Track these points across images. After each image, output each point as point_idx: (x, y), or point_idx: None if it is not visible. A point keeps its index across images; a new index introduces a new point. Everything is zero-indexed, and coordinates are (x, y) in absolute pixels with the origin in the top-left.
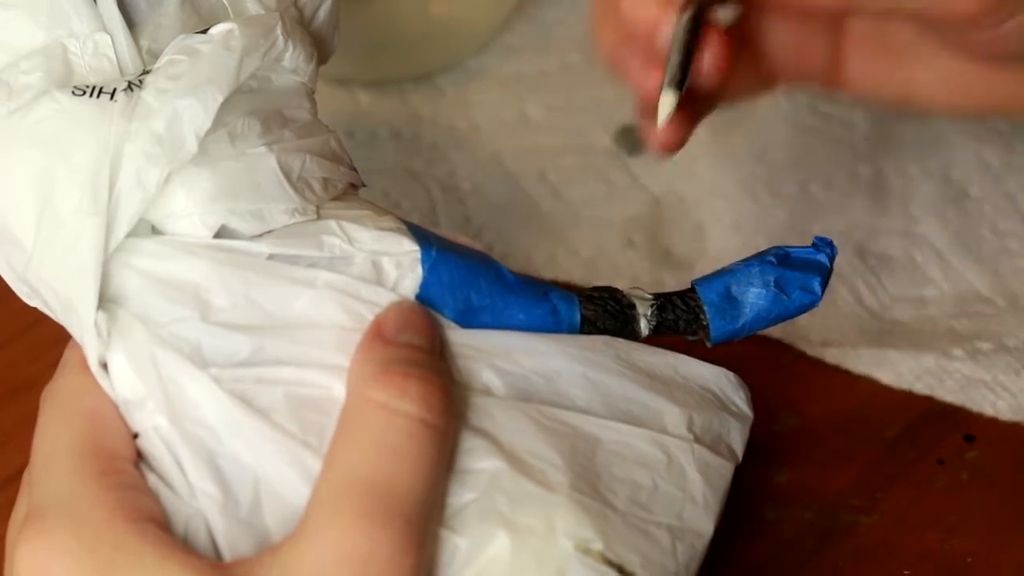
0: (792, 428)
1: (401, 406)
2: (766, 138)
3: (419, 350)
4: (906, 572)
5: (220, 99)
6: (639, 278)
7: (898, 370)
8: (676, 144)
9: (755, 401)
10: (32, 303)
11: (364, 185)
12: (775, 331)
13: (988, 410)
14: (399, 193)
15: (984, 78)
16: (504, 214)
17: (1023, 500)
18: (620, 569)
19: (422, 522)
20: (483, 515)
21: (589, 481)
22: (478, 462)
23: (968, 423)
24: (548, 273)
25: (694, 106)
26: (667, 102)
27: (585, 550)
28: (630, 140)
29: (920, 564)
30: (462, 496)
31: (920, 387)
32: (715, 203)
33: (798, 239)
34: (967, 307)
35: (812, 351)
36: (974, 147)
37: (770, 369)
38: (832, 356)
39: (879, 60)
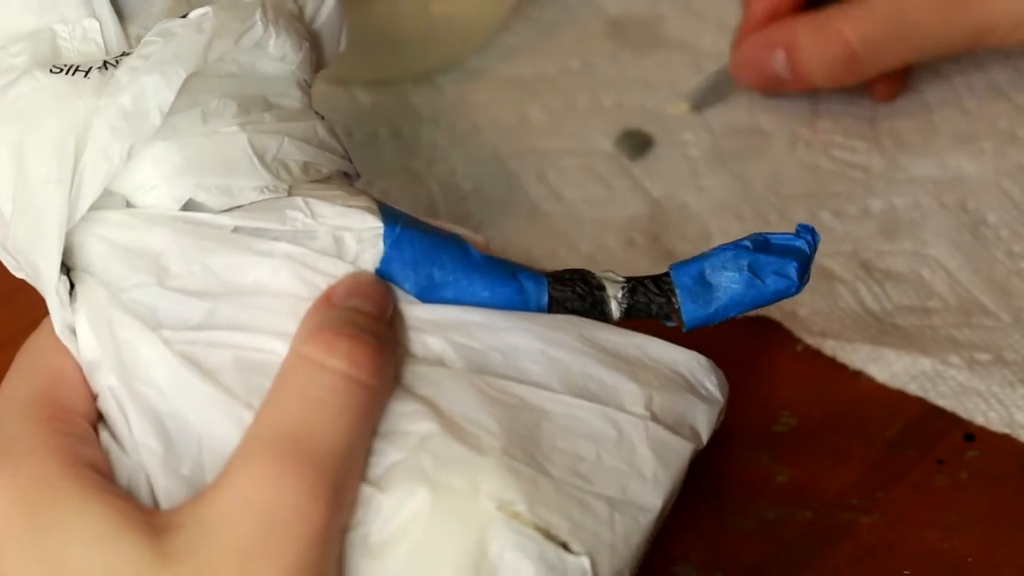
0: (792, 428)
1: (328, 361)
2: (780, 173)
3: (363, 314)
4: (906, 572)
5: (184, 75)
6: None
7: (893, 369)
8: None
9: (755, 401)
10: (19, 275)
11: (359, 176)
12: (775, 315)
13: (979, 419)
14: (399, 193)
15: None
16: (504, 214)
17: (1023, 500)
18: (546, 533)
19: (337, 476)
20: (407, 474)
21: (526, 449)
22: (412, 425)
23: (968, 423)
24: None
25: None
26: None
27: (512, 513)
28: (631, 144)
29: (920, 564)
30: (391, 456)
31: (914, 388)
32: (724, 216)
33: None
34: (971, 319)
35: (812, 340)
36: (994, 179)
37: (770, 369)
38: (829, 348)
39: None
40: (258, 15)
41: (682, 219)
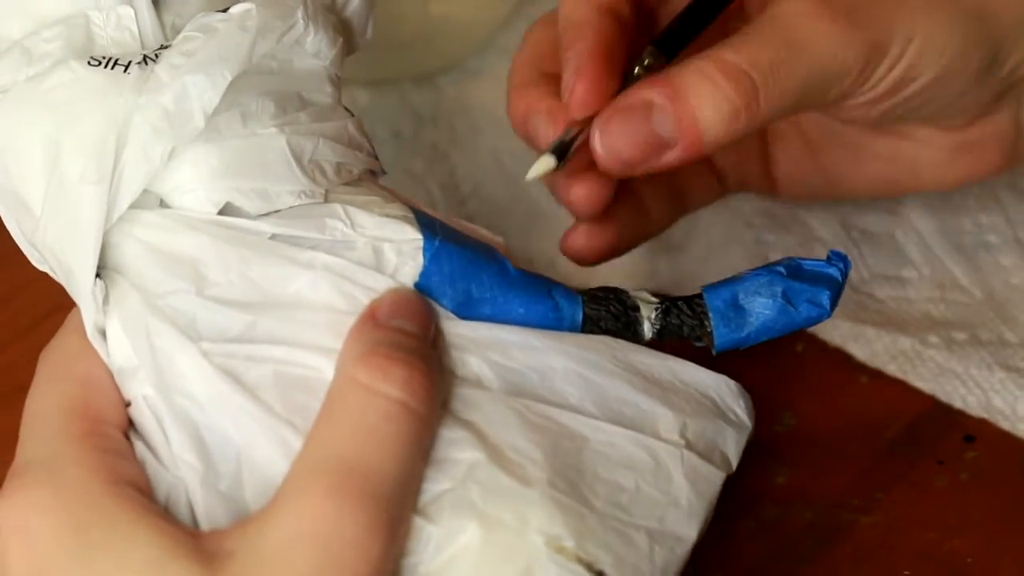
0: (792, 428)
1: (382, 388)
2: None
3: (409, 335)
4: (906, 572)
5: (229, 77)
6: (634, 264)
7: (872, 347)
8: (590, 207)
9: (755, 401)
10: (42, 268)
11: (384, 172)
12: None
13: (957, 403)
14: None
15: (890, 148)
16: (504, 214)
17: (1023, 500)
18: (590, 567)
19: (393, 505)
20: (456, 505)
21: (569, 479)
22: (459, 452)
23: (968, 423)
24: (548, 270)
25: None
26: (543, 162)
27: (557, 548)
28: None
29: (920, 564)
30: (439, 484)
31: (893, 368)
32: (716, 205)
33: (787, 214)
34: (945, 294)
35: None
36: None
37: (770, 369)
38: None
39: (800, 153)
40: (300, 12)
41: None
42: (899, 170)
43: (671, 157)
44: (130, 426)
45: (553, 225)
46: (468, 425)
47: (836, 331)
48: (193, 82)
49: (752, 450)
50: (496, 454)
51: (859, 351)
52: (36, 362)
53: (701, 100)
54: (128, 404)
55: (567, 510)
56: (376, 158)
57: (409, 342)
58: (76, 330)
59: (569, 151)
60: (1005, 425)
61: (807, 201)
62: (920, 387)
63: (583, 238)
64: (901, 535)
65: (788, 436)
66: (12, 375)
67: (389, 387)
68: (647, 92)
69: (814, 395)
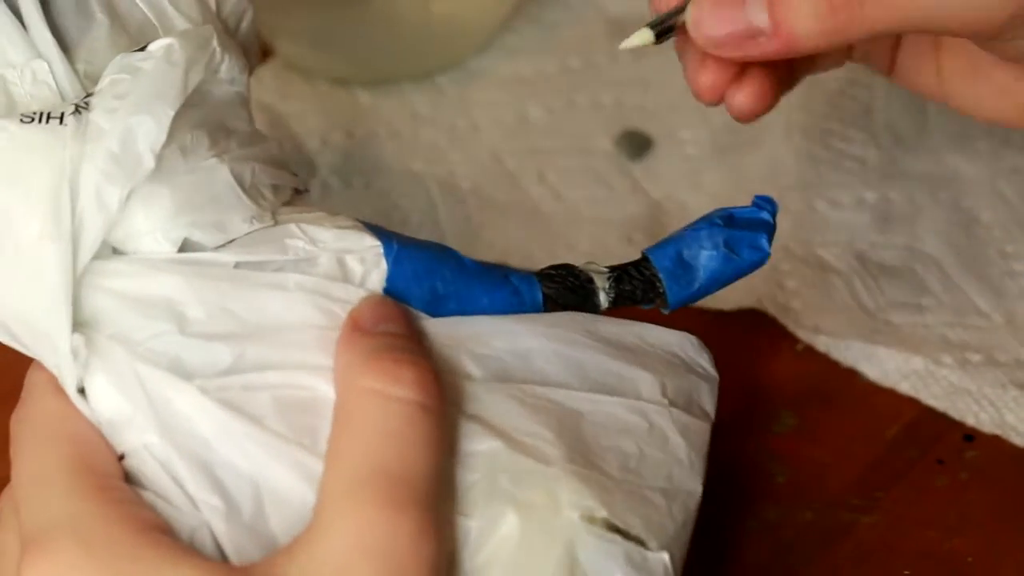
0: (792, 428)
1: (397, 392)
2: (776, 164)
3: (401, 337)
4: (906, 572)
5: (171, 113)
6: None
7: (885, 367)
8: (754, 110)
9: (755, 401)
10: None
11: (307, 190)
12: (770, 308)
13: (970, 420)
14: (399, 193)
15: (1008, 80)
16: (504, 214)
17: (1023, 500)
18: (626, 534)
19: (435, 507)
20: (489, 495)
21: (581, 452)
22: (475, 444)
23: (966, 423)
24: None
25: (775, 74)
26: (640, 35)
27: (590, 519)
28: (631, 144)
29: (920, 564)
30: (466, 478)
31: (905, 387)
32: None
33: (802, 248)
34: (963, 319)
35: (804, 335)
36: (989, 180)
37: (770, 369)
38: (822, 343)
39: (925, 48)
40: (215, 41)
41: (681, 218)
42: (1009, 106)
43: (768, 48)
44: (126, 479)
45: (553, 225)
46: (474, 417)
47: (848, 352)
48: (137, 122)
49: (752, 450)
50: (511, 440)
51: (871, 371)
52: (33, 360)
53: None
54: (121, 457)
55: (591, 482)
56: (297, 175)
57: (405, 343)
58: (48, 391)
59: (671, 31)
60: (1018, 441)
61: (918, 93)
62: (933, 405)
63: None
64: (901, 535)
65: (788, 436)
66: (11, 374)
67: (403, 390)
68: None
69: (814, 395)
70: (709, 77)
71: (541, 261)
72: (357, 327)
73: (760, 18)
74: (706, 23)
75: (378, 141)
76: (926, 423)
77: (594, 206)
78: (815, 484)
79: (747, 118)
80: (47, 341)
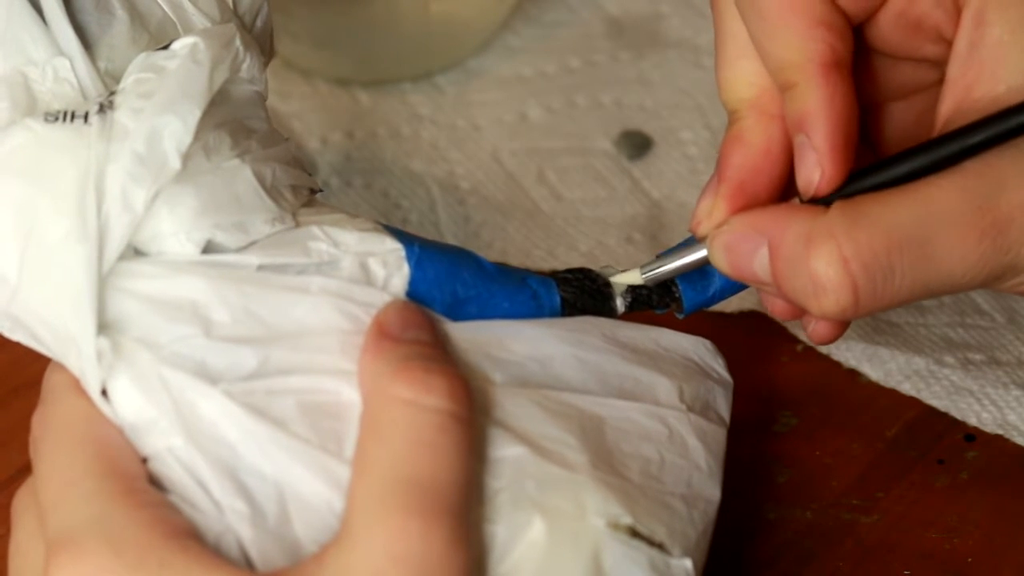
0: (792, 428)
1: (428, 401)
2: None
3: (429, 345)
4: (906, 572)
5: (198, 114)
6: None
7: (887, 367)
8: (828, 340)
9: (755, 401)
10: (15, 337)
11: (322, 190)
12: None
13: (972, 420)
14: (399, 193)
15: None
16: (504, 214)
17: (1023, 500)
18: (650, 541)
19: (465, 515)
20: (515, 502)
21: (604, 458)
22: (501, 450)
23: (968, 423)
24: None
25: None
26: (630, 275)
27: (615, 525)
28: (631, 144)
29: (920, 564)
30: (492, 485)
31: (907, 387)
32: None
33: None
34: (965, 319)
35: (805, 337)
36: None
37: (770, 369)
38: (824, 346)
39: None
40: (238, 40)
41: (681, 218)
42: None
43: (775, 305)
44: (150, 482)
45: (553, 225)
46: (498, 423)
47: (849, 352)
48: (163, 123)
49: (752, 450)
50: (536, 446)
51: (873, 371)
52: (39, 359)
53: (791, 274)
54: (145, 460)
55: (615, 488)
56: (312, 175)
57: (433, 352)
58: (69, 392)
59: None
60: (1020, 441)
61: None
62: (935, 404)
63: None
64: (901, 535)
65: (788, 436)
66: (15, 371)
67: (435, 399)
68: (763, 227)
69: (814, 395)
70: (779, 304)
71: (541, 261)
72: (384, 333)
73: (764, 273)
74: (719, 259)
75: (378, 141)
76: (926, 423)
77: (594, 206)
78: (815, 484)
79: (823, 343)
80: (71, 343)
